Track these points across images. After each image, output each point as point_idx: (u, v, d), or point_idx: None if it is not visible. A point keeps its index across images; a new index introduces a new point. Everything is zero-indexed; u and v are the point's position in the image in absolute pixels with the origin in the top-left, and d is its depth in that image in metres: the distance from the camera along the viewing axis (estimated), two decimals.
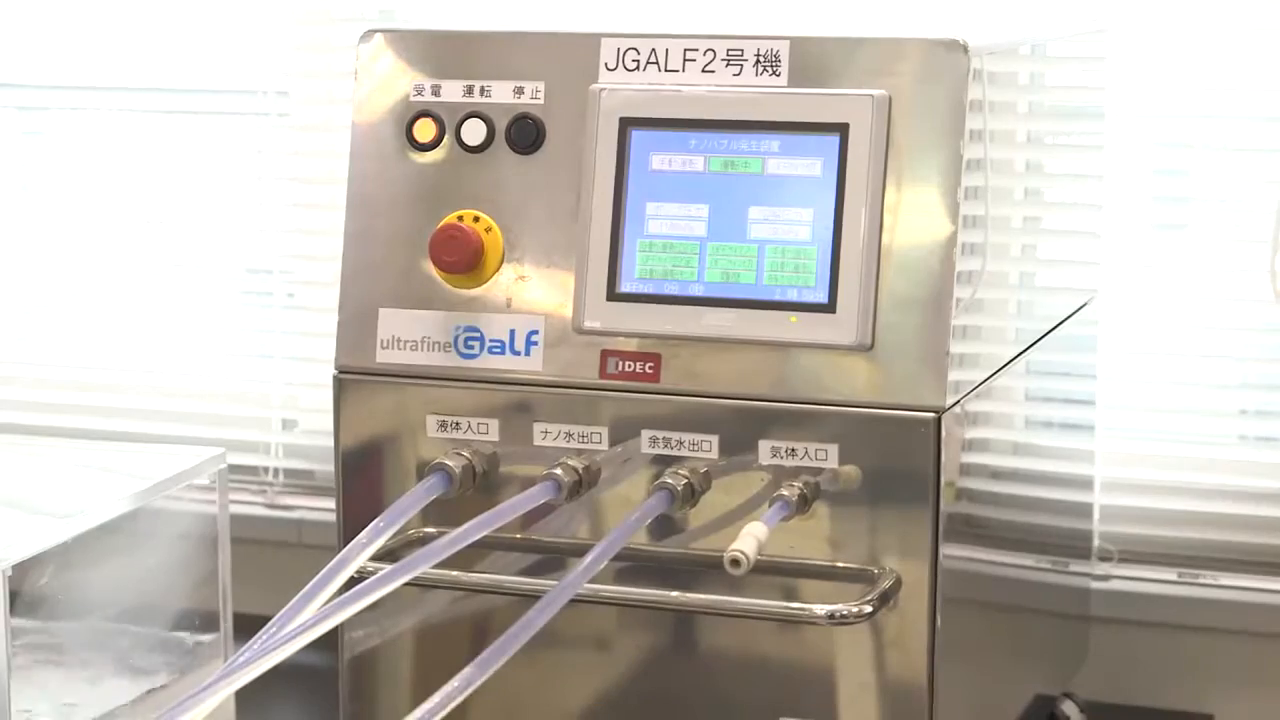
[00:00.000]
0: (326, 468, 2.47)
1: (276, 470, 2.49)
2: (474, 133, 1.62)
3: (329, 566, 1.49)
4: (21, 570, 1.80)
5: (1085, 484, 2.06)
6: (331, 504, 2.42)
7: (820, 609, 1.51)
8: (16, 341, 2.59)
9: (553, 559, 1.62)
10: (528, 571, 1.63)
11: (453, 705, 1.36)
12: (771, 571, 1.54)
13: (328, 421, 2.44)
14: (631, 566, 1.59)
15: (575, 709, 1.65)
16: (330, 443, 2.43)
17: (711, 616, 1.59)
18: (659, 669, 1.62)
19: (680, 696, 1.62)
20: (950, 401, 1.53)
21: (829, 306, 1.54)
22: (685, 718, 1.62)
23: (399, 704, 1.68)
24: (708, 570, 1.56)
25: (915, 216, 1.54)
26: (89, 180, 2.55)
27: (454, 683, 1.37)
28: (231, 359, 2.52)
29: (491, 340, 1.61)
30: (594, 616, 1.60)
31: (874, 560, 1.55)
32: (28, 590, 1.89)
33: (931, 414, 1.53)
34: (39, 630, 1.97)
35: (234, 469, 2.12)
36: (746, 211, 1.56)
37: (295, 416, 2.50)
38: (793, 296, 1.55)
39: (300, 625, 1.44)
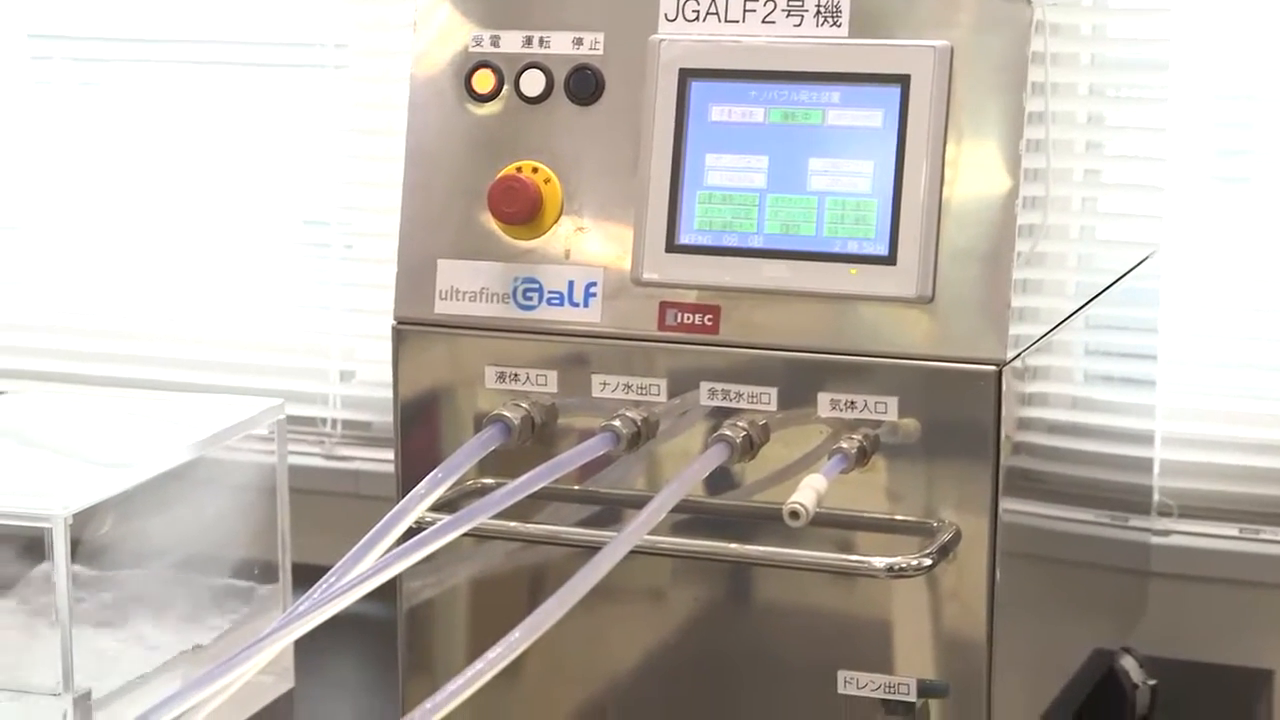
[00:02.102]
0: (384, 419, 2.47)
1: (334, 421, 2.50)
2: (533, 84, 1.62)
3: (387, 517, 1.49)
4: (82, 519, 1.81)
5: (1146, 439, 2.05)
6: (389, 455, 2.43)
7: (879, 561, 1.51)
8: (78, 292, 2.60)
9: (609, 511, 1.62)
10: (585, 523, 1.63)
11: (514, 655, 1.36)
12: (829, 524, 1.54)
13: (385, 373, 2.45)
14: (689, 519, 1.59)
15: (630, 660, 1.65)
16: (388, 394, 2.45)
17: (767, 569, 1.59)
18: (714, 622, 1.62)
19: (736, 649, 1.62)
20: (1011, 355, 1.52)
21: (889, 259, 1.53)
22: (741, 670, 1.62)
23: (457, 654, 1.68)
24: (765, 523, 1.56)
25: (976, 169, 1.53)
26: (146, 132, 2.56)
27: (515, 633, 1.37)
28: (290, 311, 2.53)
29: (550, 292, 1.61)
30: (650, 569, 1.60)
31: (932, 514, 1.55)
32: (88, 539, 1.91)
33: (992, 367, 1.52)
34: (99, 579, 1.98)
35: (292, 420, 2.13)
36: (806, 163, 1.56)
37: (353, 368, 2.51)
38: (853, 249, 1.54)
39: (359, 575, 1.45)
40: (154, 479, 1.91)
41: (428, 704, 1.34)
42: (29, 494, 1.82)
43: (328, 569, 1.48)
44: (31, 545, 1.98)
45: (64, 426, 2.09)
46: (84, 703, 1.79)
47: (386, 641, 1.85)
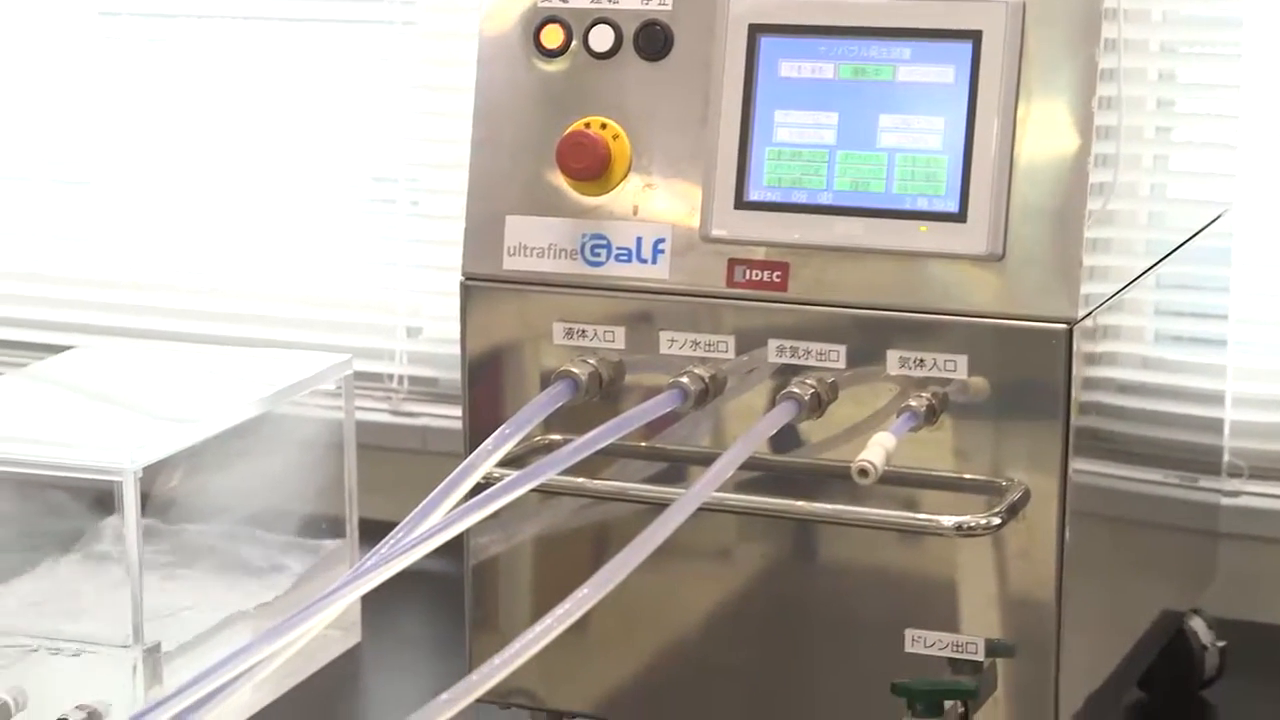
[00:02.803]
0: (450, 375, 2.48)
1: (401, 377, 2.51)
2: (601, 39, 1.61)
3: (455, 473, 1.49)
4: (151, 473, 1.82)
5: (1216, 399, 2.03)
6: (455, 411, 2.45)
7: (948, 520, 1.50)
8: (149, 248, 2.61)
9: (675, 468, 1.62)
10: (651, 480, 1.62)
11: (582, 611, 1.36)
12: (896, 482, 1.53)
13: (452, 329, 2.46)
14: (756, 476, 1.58)
15: (695, 617, 1.65)
16: (454, 350, 2.45)
17: (833, 527, 1.58)
18: (779, 580, 1.62)
19: (801, 607, 1.61)
20: (1082, 314, 1.51)
21: (959, 216, 1.52)
22: (806, 628, 1.61)
23: (523, 610, 1.68)
24: (832, 481, 1.56)
25: (1048, 125, 1.51)
26: (216, 89, 2.56)
27: (583, 589, 1.37)
28: (357, 267, 2.54)
29: (618, 248, 1.61)
30: (715, 526, 1.59)
31: (999, 473, 1.54)
32: (158, 493, 1.92)
33: (1063, 326, 1.51)
34: (168, 532, 1.99)
35: (359, 376, 2.13)
36: (876, 119, 1.55)
37: (420, 324, 2.51)
38: (923, 205, 1.53)
39: (426, 531, 1.45)
40: (223, 434, 1.92)
41: (496, 659, 1.34)
42: (99, 447, 1.84)
43: (394, 525, 1.48)
44: (101, 499, 1.99)
45: (134, 381, 2.10)
46: (153, 656, 1.80)
47: (452, 597, 1.85)
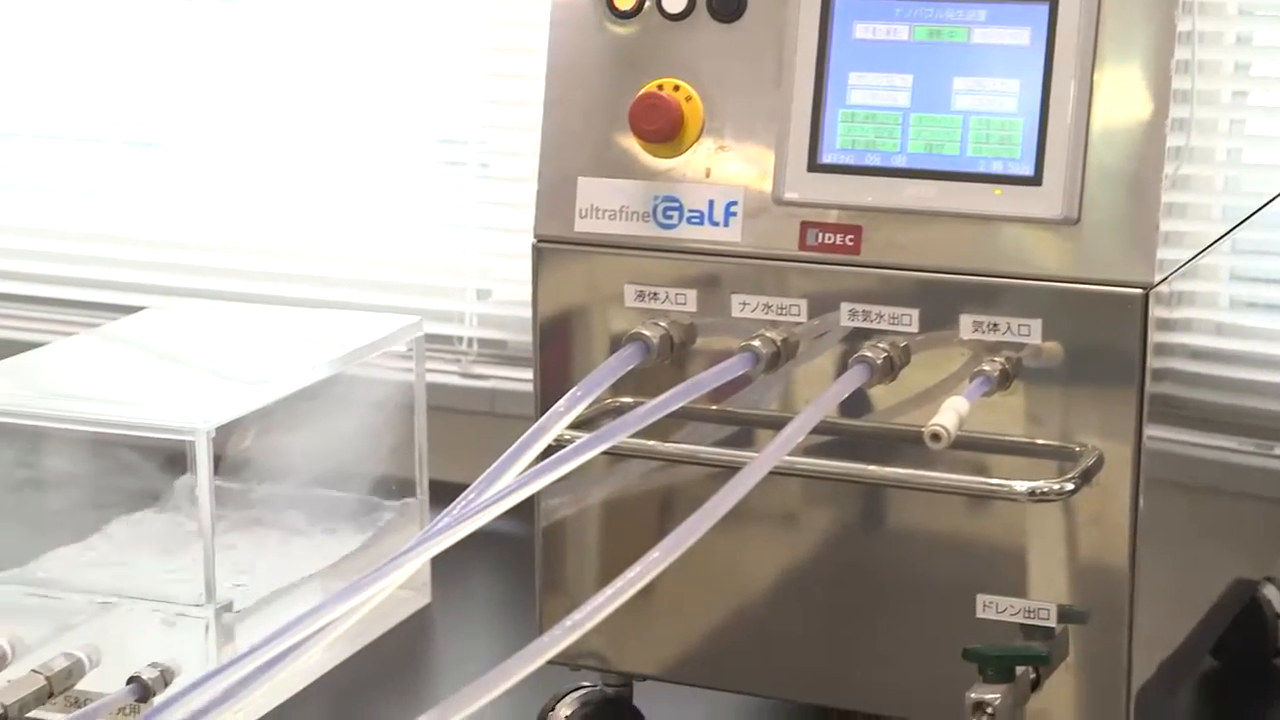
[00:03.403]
0: (520, 338, 2.48)
1: (470, 340, 2.51)
2: (675, 0, 1.61)
3: (527, 434, 1.49)
4: (224, 433, 1.83)
5: None
6: (524, 373, 2.45)
7: (1020, 485, 1.50)
8: (221, 209, 2.62)
9: (744, 431, 1.62)
10: (720, 443, 1.62)
11: (654, 574, 1.36)
12: (967, 447, 1.52)
13: (521, 291, 2.47)
14: (827, 440, 1.58)
15: (762, 582, 1.65)
16: (524, 313, 2.47)
17: (901, 492, 1.57)
18: (847, 544, 1.62)
19: (869, 572, 1.61)
20: (1158, 279, 1.50)
21: (1035, 179, 1.51)
22: (875, 593, 1.61)
23: (593, 572, 1.69)
24: (902, 445, 1.55)
25: (1124, 89, 1.50)
26: (287, 51, 2.57)
27: (654, 552, 1.37)
28: (427, 229, 2.54)
29: (690, 210, 1.60)
30: (782, 490, 1.59)
31: (1072, 438, 1.53)
32: (230, 453, 1.93)
33: (1139, 291, 1.50)
34: (240, 492, 2.00)
35: (429, 338, 2.14)
36: (951, 82, 1.54)
37: (489, 286, 2.51)
38: (997, 169, 1.52)
39: (498, 492, 1.45)
40: (294, 395, 1.93)
41: (567, 621, 1.35)
42: (173, 407, 1.85)
43: (463, 486, 1.49)
44: (173, 459, 2.01)
45: (206, 342, 2.11)
46: (225, 615, 1.81)
47: (521, 559, 1.86)
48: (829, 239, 1.57)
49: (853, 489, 1.60)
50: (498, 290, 2.51)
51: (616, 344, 1.60)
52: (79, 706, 1.78)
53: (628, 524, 1.68)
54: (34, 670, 1.78)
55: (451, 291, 2.51)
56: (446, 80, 2.49)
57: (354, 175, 2.56)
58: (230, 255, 2.59)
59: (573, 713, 1.71)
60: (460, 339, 2.51)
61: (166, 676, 1.78)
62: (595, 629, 1.35)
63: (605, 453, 1.50)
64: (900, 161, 1.55)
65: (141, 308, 2.34)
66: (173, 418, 1.82)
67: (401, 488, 2.10)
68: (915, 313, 1.55)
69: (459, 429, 2.37)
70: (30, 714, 1.75)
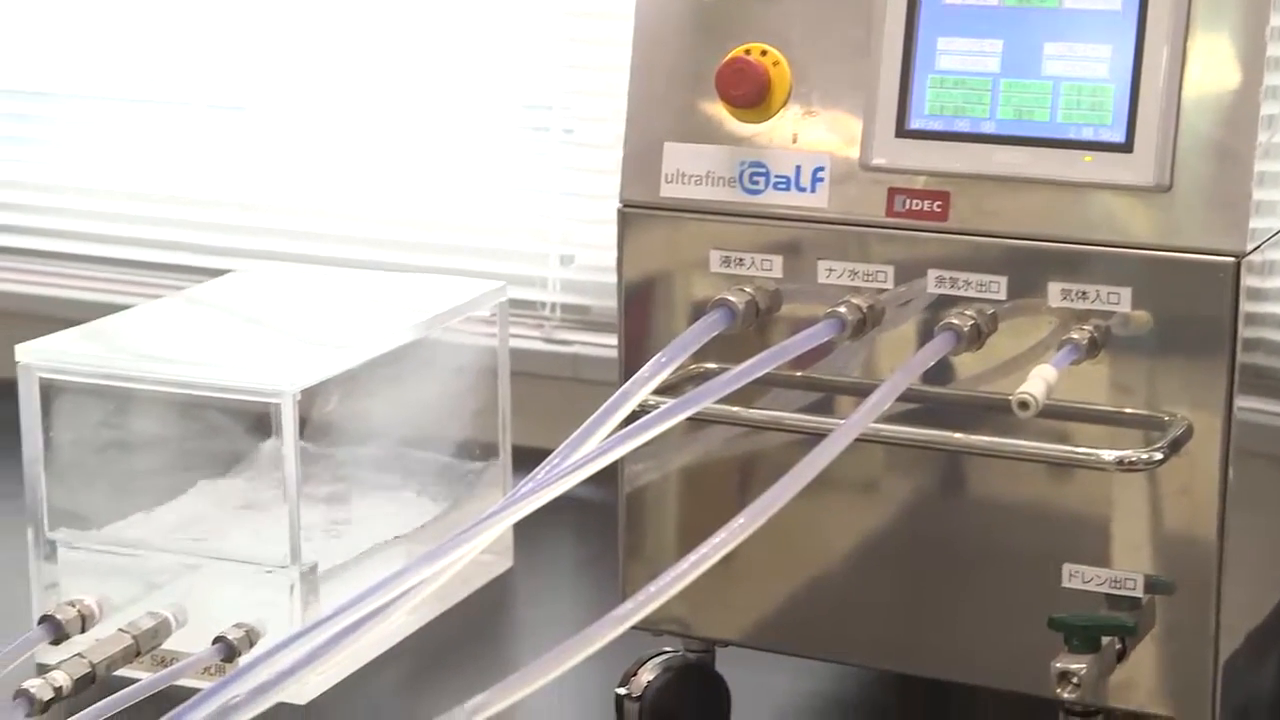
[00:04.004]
0: (602, 303, 2.48)
1: (553, 305, 2.51)
2: None
3: (612, 400, 1.49)
4: (309, 396, 1.84)
5: None
6: (606, 339, 2.45)
7: (1109, 454, 1.48)
8: (304, 173, 2.63)
9: (827, 398, 1.61)
10: (805, 410, 1.62)
11: (739, 540, 1.36)
12: (1052, 415, 1.51)
13: (604, 257, 2.47)
14: (912, 408, 1.57)
15: (843, 549, 1.64)
16: (606, 278, 2.46)
17: (982, 460, 1.56)
18: (928, 513, 1.61)
19: (952, 539, 1.60)
20: (1250, 248, 1.48)
21: (1126, 146, 1.49)
22: (958, 561, 1.60)
23: (676, 537, 1.69)
24: (986, 413, 1.54)
25: (1217, 56, 1.48)
26: (371, 15, 2.57)
27: (740, 518, 1.37)
28: (511, 194, 2.54)
29: (777, 176, 1.60)
30: (863, 457, 1.58)
31: (1159, 408, 1.52)
32: (315, 416, 1.93)
33: (1230, 259, 1.48)
34: (325, 455, 2.01)
35: (512, 303, 2.14)
36: (1041, 47, 1.52)
37: (573, 252, 2.51)
38: (1088, 135, 1.51)
39: (582, 457, 1.45)
40: (379, 358, 1.94)
41: (651, 587, 1.35)
42: (259, 370, 1.85)
43: (545, 451, 1.49)
44: (258, 422, 2.01)
45: (292, 305, 2.12)
46: (310, 576, 1.82)
47: (602, 524, 1.86)
48: (916, 205, 1.56)
49: (934, 456, 1.59)
50: (581, 256, 2.51)
51: (701, 310, 1.60)
52: (165, 666, 1.79)
53: (710, 490, 1.68)
54: (121, 629, 1.79)
55: (535, 257, 2.51)
56: (531, 46, 2.49)
57: (439, 141, 2.57)
58: (316, 219, 2.60)
59: (655, 678, 1.71)
60: (543, 304, 2.51)
61: (251, 637, 1.79)
62: (677, 595, 1.35)
63: (689, 419, 1.50)
64: (989, 127, 1.53)
65: (227, 271, 2.35)
66: (259, 380, 1.83)
67: (484, 452, 2.11)
68: (1003, 280, 1.54)
69: (541, 394, 2.38)
70: (118, 672, 1.77)
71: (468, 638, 1.96)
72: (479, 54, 2.52)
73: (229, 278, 2.23)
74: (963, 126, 1.54)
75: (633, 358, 1.64)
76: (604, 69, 2.41)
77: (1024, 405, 1.44)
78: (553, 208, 2.50)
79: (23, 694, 1.68)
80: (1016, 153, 1.52)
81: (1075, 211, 1.51)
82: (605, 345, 2.45)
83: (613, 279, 2.43)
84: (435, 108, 2.56)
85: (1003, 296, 1.54)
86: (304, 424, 1.83)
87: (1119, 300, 1.51)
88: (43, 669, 1.76)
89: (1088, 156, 1.50)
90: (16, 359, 1.86)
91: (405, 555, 1.88)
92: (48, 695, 1.69)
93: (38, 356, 1.86)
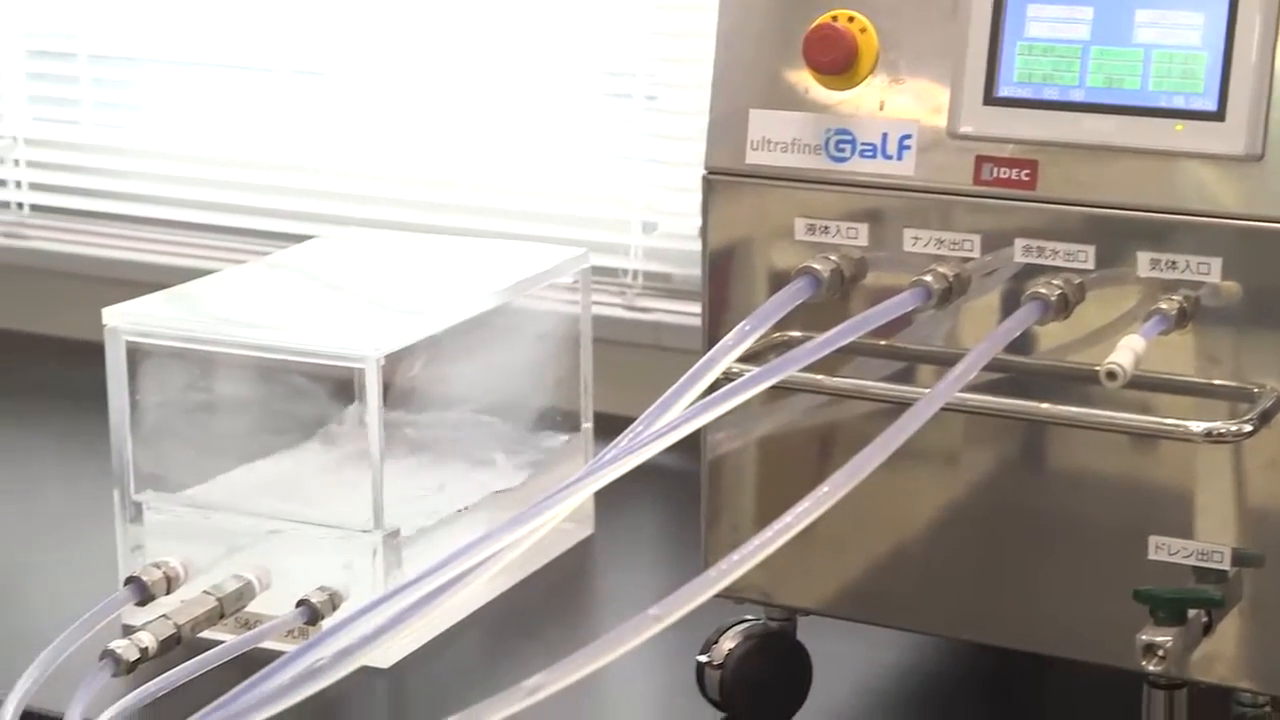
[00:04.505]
0: (684, 271, 2.48)
1: (636, 272, 2.51)
2: None
3: (696, 367, 1.49)
4: (393, 361, 1.84)
5: None
6: (688, 306, 2.45)
7: (1196, 426, 1.47)
8: (387, 140, 2.64)
9: (909, 368, 1.60)
10: (889, 379, 1.61)
11: (823, 509, 1.36)
12: (1140, 386, 1.49)
13: (686, 225, 2.47)
14: (996, 378, 1.56)
15: (925, 518, 1.63)
16: (689, 246, 2.47)
17: (1066, 430, 1.55)
18: (1010, 482, 1.60)
19: (1033, 510, 1.59)
20: None
21: (1218, 114, 1.47)
22: (1039, 532, 1.59)
23: (758, 506, 1.68)
24: (1072, 383, 1.53)
25: None
26: None
27: (824, 488, 1.37)
28: (593, 162, 2.54)
29: (863, 143, 1.59)
30: (943, 427, 1.56)
31: (1250, 379, 1.50)
32: (398, 382, 1.94)
33: None
34: (407, 420, 2.02)
35: (593, 270, 2.14)
36: (1133, 14, 1.51)
37: (655, 219, 2.51)
38: (1179, 103, 1.49)
39: (666, 425, 1.45)
40: (462, 324, 1.94)
41: (735, 555, 1.35)
42: (343, 335, 1.86)
43: (626, 418, 1.49)
44: (341, 388, 2.02)
45: (375, 271, 2.12)
46: (393, 540, 1.83)
47: (682, 492, 1.86)
48: (1004, 173, 1.54)
49: (1016, 426, 1.58)
50: (663, 223, 2.50)
51: (785, 278, 1.59)
52: (249, 628, 1.80)
53: (791, 459, 1.67)
54: (206, 591, 1.81)
55: (617, 224, 2.51)
56: (615, 12, 2.49)
57: (523, 107, 2.57)
58: (398, 185, 2.61)
59: (736, 645, 1.71)
60: (625, 271, 2.51)
61: (334, 600, 1.80)
62: (759, 563, 1.35)
63: (772, 387, 1.49)
64: (1079, 95, 1.52)
65: (310, 236, 2.36)
66: (343, 345, 1.84)
67: (566, 419, 2.11)
68: (1091, 249, 1.52)
69: (622, 361, 2.38)
70: (202, 634, 1.78)
71: (548, 604, 1.97)
72: (563, 20, 2.52)
73: (312, 243, 2.24)
74: (1051, 94, 1.53)
75: (716, 325, 1.64)
76: (687, 35, 2.41)
77: (1112, 375, 1.42)
78: (635, 175, 2.50)
79: (109, 654, 1.70)
80: (1106, 121, 1.51)
81: (1165, 181, 1.50)
82: (686, 313, 2.44)
83: (695, 247, 2.43)
84: (519, 74, 2.56)
85: (1090, 266, 1.53)
86: (387, 389, 1.83)
87: (1209, 270, 1.49)
88: (128, 630, 1.78)
89: (1179, 125, 1.49)
90: (104, 322, 1.87)
91: (487, 521, 1.89)
92: (133, 656, 1.71)
93: (124, 320, 1.88)
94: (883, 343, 1.60)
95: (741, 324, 1.52)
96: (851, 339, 1.50)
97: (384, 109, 2.63)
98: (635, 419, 1.48)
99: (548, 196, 2.53)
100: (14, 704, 1.59)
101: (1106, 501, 1.57)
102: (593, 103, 2.54)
